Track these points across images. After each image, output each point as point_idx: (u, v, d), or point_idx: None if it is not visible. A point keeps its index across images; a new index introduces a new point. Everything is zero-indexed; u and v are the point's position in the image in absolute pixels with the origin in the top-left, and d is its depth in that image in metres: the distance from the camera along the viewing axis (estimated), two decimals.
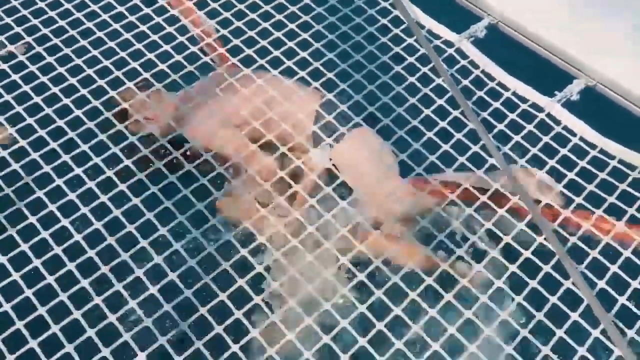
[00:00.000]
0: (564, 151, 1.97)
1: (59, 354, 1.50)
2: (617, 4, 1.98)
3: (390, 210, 2.06)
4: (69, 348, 1.50)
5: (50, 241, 1.69)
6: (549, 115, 2.04)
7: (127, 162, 1.88)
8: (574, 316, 1.62)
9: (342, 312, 1.63)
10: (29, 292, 1.58)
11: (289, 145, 2.01)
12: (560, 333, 1.60)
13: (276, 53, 2.16)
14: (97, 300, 1.59)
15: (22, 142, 1.88)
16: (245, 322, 1.59)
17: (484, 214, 1.85)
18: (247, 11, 2.28)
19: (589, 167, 1.93)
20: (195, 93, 2.19)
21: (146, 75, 2.08)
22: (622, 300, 1.66)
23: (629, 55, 2.04)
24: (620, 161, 1.95)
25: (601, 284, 1.69)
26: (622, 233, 1.80)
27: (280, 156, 2.04)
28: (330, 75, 2.11)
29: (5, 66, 2.07)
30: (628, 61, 2.05)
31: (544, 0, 2.15)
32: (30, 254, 1.66)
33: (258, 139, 2.04)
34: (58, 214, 1.74)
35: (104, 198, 1.79)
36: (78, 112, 1.96)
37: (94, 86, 2.03)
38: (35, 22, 2.19)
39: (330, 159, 2.10)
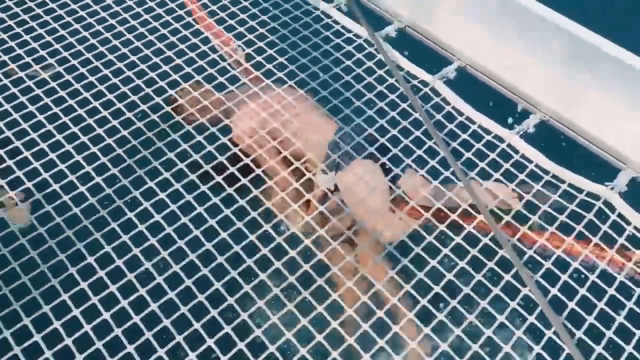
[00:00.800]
0: (521, 176, 2.03)
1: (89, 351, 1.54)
2: (563, 54, 2.04)
3: (380, 235, 2.07)
4: (98, 344, 1.54)
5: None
6: (509, 145, 2.11)
7: (181, 165, 1.99)
8: (531, 319, 1.67)
9: None
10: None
11: (304, 159, 2.11)
12: (519, 333, 1.64)
13: (278, 90, 2.22)
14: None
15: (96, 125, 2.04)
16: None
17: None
18: (253, 53, 2.36)
19: (543, 190, 1.97)
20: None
21: (198, 78, 2.25)
22: (571, 305, 1.71)
23: (575, 94, 2.09)
24: (570, 185, 2.01)
25: (553, 291, 1.74)
26: (571, 247, 1.84)
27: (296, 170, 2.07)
28: (323, 110, 2.14)
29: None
30: (574, 100, 2.11)
31: (506, 48, 2.22)
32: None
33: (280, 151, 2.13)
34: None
35: (162, 195, 1.88)
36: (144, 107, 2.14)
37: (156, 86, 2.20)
38: (107, 34, 2.36)
39: (335, 184, 2.16)
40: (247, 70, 2.34)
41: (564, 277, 1.75)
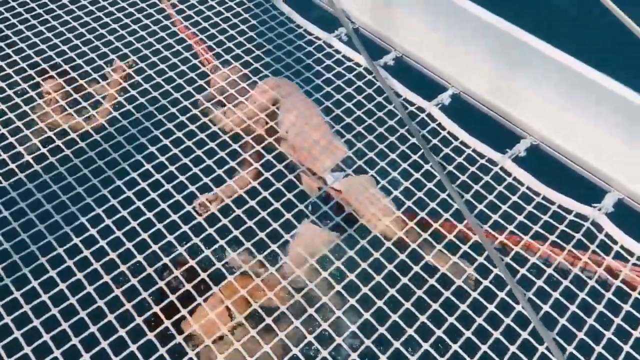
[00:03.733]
0: (514, 198, 2.01)
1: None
2: (556, 84, 2.07)
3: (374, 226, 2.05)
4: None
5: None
6: (502, 168, 2.11)
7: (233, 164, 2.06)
8: (524, 335, 1.65)
9: None
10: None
11: None
12: (513, 349, 1.63)
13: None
14: None
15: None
16: None
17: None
18: (259, 81, 2.36)
19: (534, 211, 1.98)
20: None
21: None
22: (562, 321, 1.69)
23: (565, 120, 2.11)
24: (560, 206, 2.00)
25: (545, 307, 1.72)
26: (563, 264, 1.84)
27: None
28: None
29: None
30: (563, 125, 2.12)
31: (498, 76, 2.23)
32: None
33: None
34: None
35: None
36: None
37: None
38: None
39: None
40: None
41: (555, 295, 1.74)
